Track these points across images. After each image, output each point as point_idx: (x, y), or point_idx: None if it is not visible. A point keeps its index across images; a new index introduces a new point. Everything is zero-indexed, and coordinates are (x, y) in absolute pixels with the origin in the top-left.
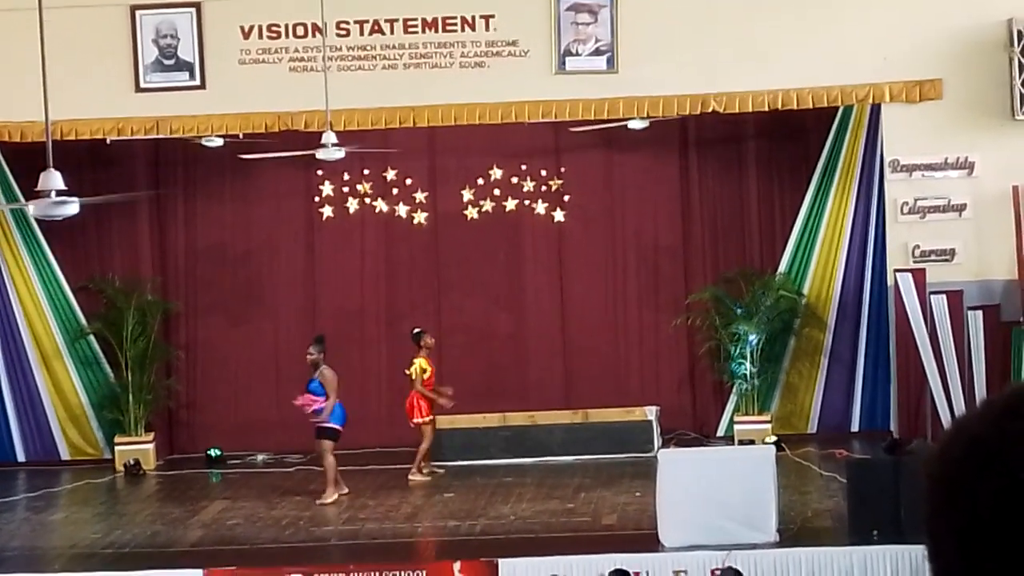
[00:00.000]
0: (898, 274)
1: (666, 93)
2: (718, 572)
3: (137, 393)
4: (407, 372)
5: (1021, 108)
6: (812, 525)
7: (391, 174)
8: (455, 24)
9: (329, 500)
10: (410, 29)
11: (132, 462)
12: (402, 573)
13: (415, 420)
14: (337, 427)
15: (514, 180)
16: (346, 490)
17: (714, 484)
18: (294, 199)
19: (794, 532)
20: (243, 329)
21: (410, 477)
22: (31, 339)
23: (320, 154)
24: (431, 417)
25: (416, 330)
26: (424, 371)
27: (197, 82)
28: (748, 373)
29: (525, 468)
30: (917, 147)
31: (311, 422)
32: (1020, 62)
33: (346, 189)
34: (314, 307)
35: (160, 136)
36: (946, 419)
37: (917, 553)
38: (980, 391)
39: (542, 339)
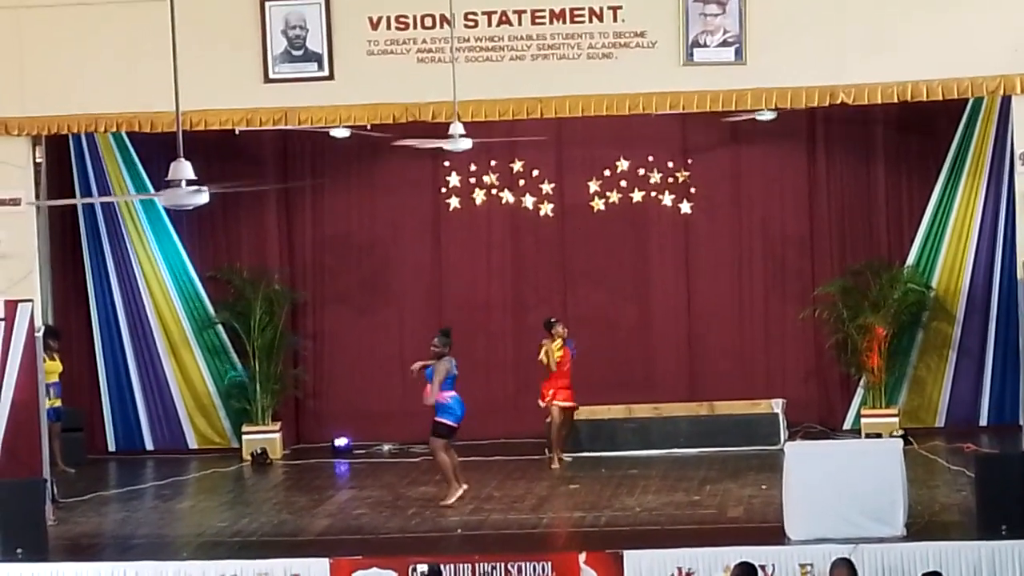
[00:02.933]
0: None
1: (794, 84)
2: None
3: (264, 382)
4: (540, 360)
5: None
6: (940, 519)
7: (518, 165)
8: (583, 15)
9: (451, 501)
10: (538, 20)
11: (259, 451)
12: (527, 564)
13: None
14: (448, 423)
15: (641, 172)
16: (465, 486)
17: (841, 477)
18: (421, 190)
19: (921, 526)
20: (369, 319)
21: (551, 464)
22: (160, 328)
23: (447, 145)
24: (565, 402)
25: (551, 319)
26: (556, 352)
27: (325, 73)
28: (875, 366)
29: (650, 460)
30: None
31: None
32: None
33: (473, 180)
34: (440, 298)
35: (288, 127)
36: None
37: None
38: None
39: (668, 331)
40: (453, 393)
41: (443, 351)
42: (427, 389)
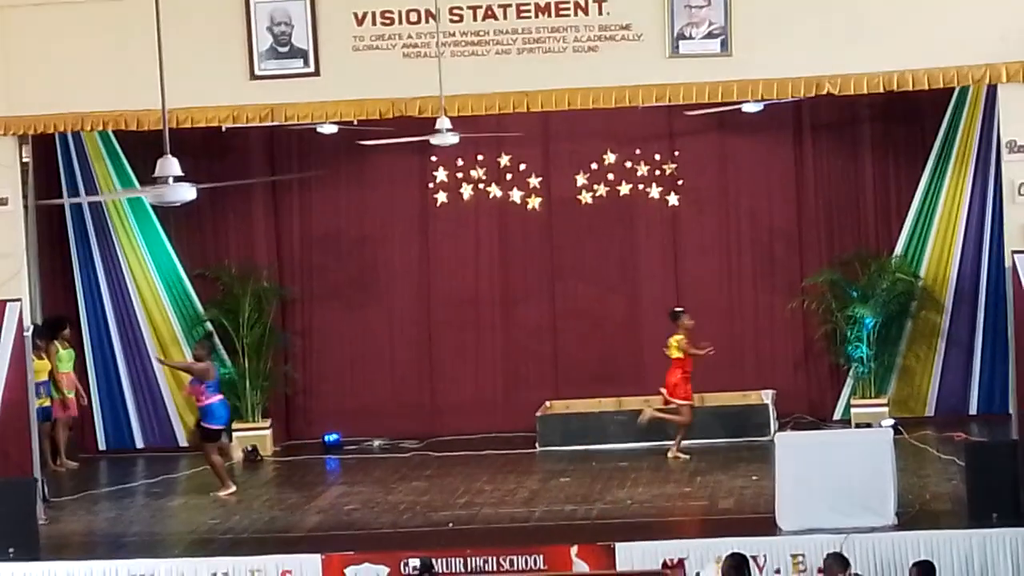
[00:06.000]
0: (1016, 255)
1: (780, 75)
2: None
3: (254, 379)
4: (665, 351)
5: None
6: (930, 508)
7: (505, 159)
8: (568, 8)
9: (224, 494)
10: (523, 14)
11: (249, 448)
12: (519, 557)
13: (673, 400)
14: (215, 427)
15: (628, 164)
16: (234, 488)
17: (832, 467)
18: (408, 185)
19: (912, 515)
20: (358, 315)
21: (669, 455)
22: (148, 326)
23: (434, 140)
24: (688, 401)
25: (676, 309)
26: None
27: (311, 69)
28: (865, 356)
29: (641, 452)
30: None
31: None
32: None
33: (460, 175)
34: (428, 293)
35: (275, 124)
36: None
37: None
38: None
39: (656, 323)
40: (220, 397)
41: (203, 354)
42: (193, 388)
